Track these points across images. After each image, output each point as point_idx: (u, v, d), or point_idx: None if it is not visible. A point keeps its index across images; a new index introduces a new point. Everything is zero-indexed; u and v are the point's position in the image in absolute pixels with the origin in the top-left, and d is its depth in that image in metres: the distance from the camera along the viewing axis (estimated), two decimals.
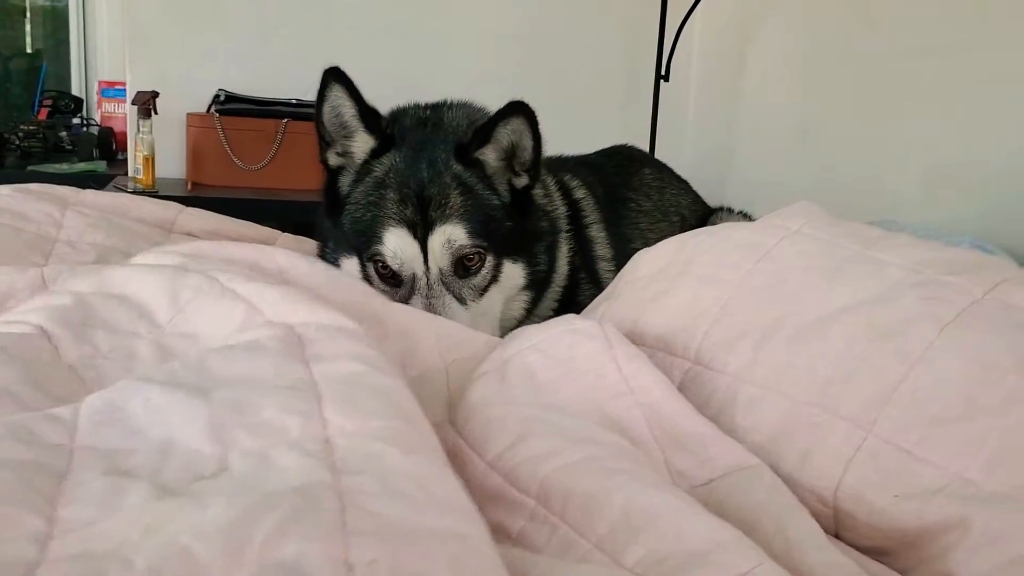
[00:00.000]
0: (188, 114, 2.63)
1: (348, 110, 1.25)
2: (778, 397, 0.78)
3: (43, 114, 3.56)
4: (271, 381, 0.67)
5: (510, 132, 1.23)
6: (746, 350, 0.82)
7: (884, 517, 0.68)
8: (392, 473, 0.54)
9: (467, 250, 1.21)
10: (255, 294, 0.86)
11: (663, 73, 2.84)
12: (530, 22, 3.02)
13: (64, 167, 2.98)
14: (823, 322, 0.79)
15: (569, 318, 0.92)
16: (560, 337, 0.87)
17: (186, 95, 2.67)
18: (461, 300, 1.22)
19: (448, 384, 0.90)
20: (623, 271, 1.08)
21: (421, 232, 1.20)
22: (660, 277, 0.96)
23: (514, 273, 1.29)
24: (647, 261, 1.02)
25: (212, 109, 2.63)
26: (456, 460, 0.74)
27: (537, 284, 1.34)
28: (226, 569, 0.44)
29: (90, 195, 1.45)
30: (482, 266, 1.24)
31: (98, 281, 0.93)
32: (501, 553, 0.54)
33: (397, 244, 1.20)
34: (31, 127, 3.15)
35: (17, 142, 3.09)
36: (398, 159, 1.26)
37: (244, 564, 0.44)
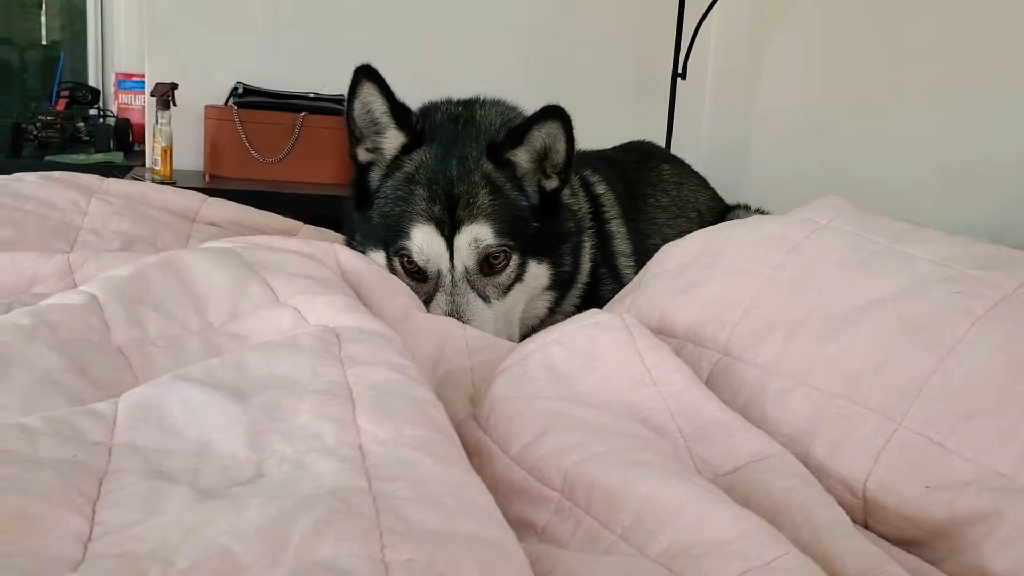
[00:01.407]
0: (206, 106, 2.64)
1: (379, 107, 1.25)
2: (808, 389, 0.78)
3: (60, 105, 3.57)
4: (306, 383, 0.68)
5: (544, 135, 1.24)
6: (776, 342, 0.82)
7: (915, 508, 0.68)
8: (425, 480, 0.55)
9: (493, 250, 1.22)
10: (306, 304, 0.88)
11: (680, 71, 2.84)
12: (547, 19, 3.03)
13: (81, 158, 2.99)
14: (853, 315, 0.79)
15: (591, 312, 0.93)
16: (582, 331, 0.87)
17: (204, 87, 2.69)
18: (485, 298, 1.23)
19: (473, 381, 0.91)
20: (649, 264, 1.09)
21: (448, 230, 1.21)
22: (689, 269, 0.97)
23: (539, 273, 1.30)
24: (675, 254, 1.03)
25: (230, 102, 2.64)
26: (479, 455, 0.74)
27: (561, 284, 1.35)
28: (266, 568, 0.45)
29: (114, 183, 1.46)
30: (507, 265, 1.25)
31: (164, 258, 0.95)
32: (529, 549, 0.55)
33: (423, 241, 1.21)
34: (49, 118, 3.16)
35: (35, 132, 3.10)
36: (428, 156, 1.26)
37: (283, 563, 0.45)
